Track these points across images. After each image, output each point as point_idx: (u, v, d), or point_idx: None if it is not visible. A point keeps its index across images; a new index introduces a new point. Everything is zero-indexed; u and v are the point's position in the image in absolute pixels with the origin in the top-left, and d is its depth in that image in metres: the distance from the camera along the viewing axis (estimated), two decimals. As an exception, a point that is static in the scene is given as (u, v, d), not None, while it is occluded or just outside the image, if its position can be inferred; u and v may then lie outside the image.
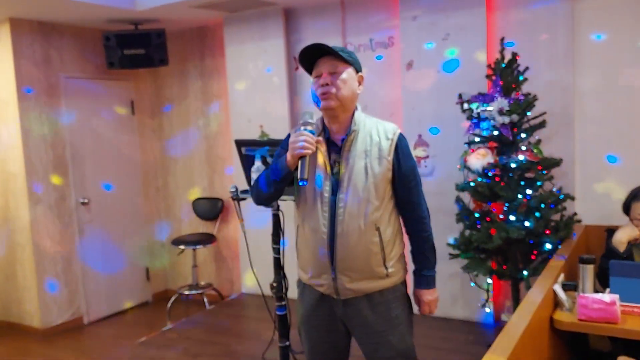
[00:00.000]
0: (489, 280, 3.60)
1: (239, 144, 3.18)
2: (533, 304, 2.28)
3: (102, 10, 4.28)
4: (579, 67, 3.59)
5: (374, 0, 4.25)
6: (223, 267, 5.37)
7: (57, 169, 4.65)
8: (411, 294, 2.19)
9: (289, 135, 2.16)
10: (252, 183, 2.58)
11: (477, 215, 3.40)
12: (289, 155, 1.95)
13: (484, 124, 3.22)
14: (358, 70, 2.09)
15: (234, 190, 3.25)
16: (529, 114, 3.27)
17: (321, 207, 2.03)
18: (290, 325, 2.75)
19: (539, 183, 3.27)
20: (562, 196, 3.28)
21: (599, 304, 2.26)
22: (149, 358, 3.78)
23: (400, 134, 2.08)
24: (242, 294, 5.12)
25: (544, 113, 3.36)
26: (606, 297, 2.27)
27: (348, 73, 2.02)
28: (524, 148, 3.31)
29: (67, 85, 4.75)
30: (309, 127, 1.95)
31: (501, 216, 3.27)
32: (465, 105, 3.31)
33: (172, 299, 5.01)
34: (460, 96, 3.39)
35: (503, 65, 3.29)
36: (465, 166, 3.42)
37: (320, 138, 1.99)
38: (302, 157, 1.90)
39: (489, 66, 3.41)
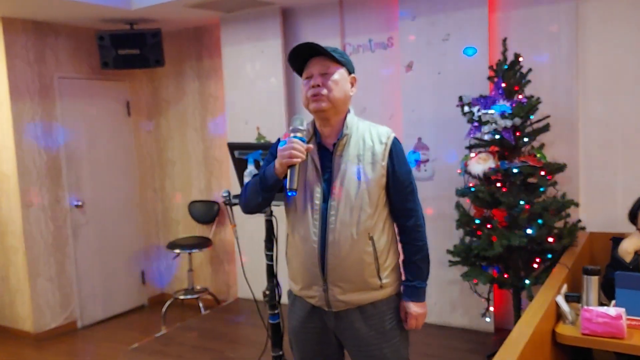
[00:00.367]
0: (489, 289, 3.49)
1: (232, 147, 3.09)
2: (535, 316, 2.18)
3: (97, 10, 4.20)
4: (584, 69, 3.48)
5: (373, 0, 4.15)
6: (219, 271, 5.28)
7: (51, 171, 4.57)
8: None
9: (278, 141, 2.07)
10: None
11: (477, 221, 3.30)
12: (277, 163, 1.85)
13: (485, 128, 3.11)
14: (351, 71, 1.99)
15: (226, 195, 3.16)
16: (532, 117, 3.16)
17: (312, 215, 1.94)
18: (283, 333, 2.67)
19: (542, 189, 3.17)
20: (566, 202, 3.17)
21: (604, 317, 2.16)
22: (140, 365, 3.71)
23: (395, 138, 1.98)
24: (238, 298, 5.02)
25: (548, 116, 3.26)
26: (612, 310, 2.17)
27: (340, 74, 1.93)
28: (526, 153, 3.21)
29: (62, 86, 4.67)
30: (299, 134, 1.86)
31: (502, 223, 3.17)
32: (466, 108, 3.21)
33: (167, 303, 4.93)
34: (460, 99, 3.28)
35: (505, 66, 3.19)
36: (465, 171, 3.32)
37: (311, 145, 1.89)
38: (291, 166, 1.80)
39: (490, 67, 3.31)
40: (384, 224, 1.97)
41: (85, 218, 4.86)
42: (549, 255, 3.17)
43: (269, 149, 2.14)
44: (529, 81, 3.20)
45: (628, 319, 2.19)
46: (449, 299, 4.02)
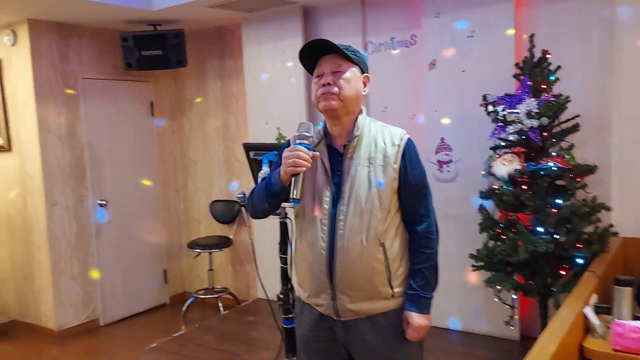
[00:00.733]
0: (514, 296, 3.35)
1: (248, 148, 3.05)
2: (560, 329, 2.05)
3: (120, 11, 4.22)
4: (618, 66, 3.29)
5: (396, -3, 4.05)
6: (240, 271, 5.25)
7: (75, 171, 4.61)
8: None
9: (287, 144, 2.01)
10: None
11: (502, 225, 3.17)
12: (282, 170, 1.78)
13: (510, 128, 2.97)
14: (364, 70, 1.91)
15: (241, 196, 3.11)
16: (560, 116, 3.01)
17: (320, 220, 1.86)
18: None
19: (570, 192, 3.01)
20: (596, 206, 3.01)
21: (637, 332, 2.01)
22: (157, 365, 3.70)
23: (409, 140, 1.89)
24: (258, 299, 4.99)
25: (577, 116, 3.10)
26: (645, 324, 2.03)
27: (352, 72, 1.85)
28: (554, 154, 3.06)
29: (86, 86, 4.71)
30: (305, 141, 1.78)
31: (528, 227, 3.03)
32: (490, 108, 3.08)
33: (187, 302, 4.92)
34: (484, 98, 3.15)
35: (532, 64, 3.04)
36: (489, 172, 3.19)
37: (317, 152, 1.81)
38: (295, 175, 1.73)
39: (516, 65, 3.17)
40: (396, 230, 1.88)
41: (109, 217, 4.89)
42: (578, 262, 3.01)
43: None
44: (557, 79, 3.05)
45: (662, 334, 2.04)
46: (473, 304, 3.89)
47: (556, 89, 3.13)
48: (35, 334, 4.59)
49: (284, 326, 2.78)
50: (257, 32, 4.62)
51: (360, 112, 1.91)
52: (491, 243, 3.30)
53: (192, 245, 4.90)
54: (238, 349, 3.86)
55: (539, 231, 2.98)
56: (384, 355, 1.88)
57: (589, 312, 2.26)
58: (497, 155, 3.19)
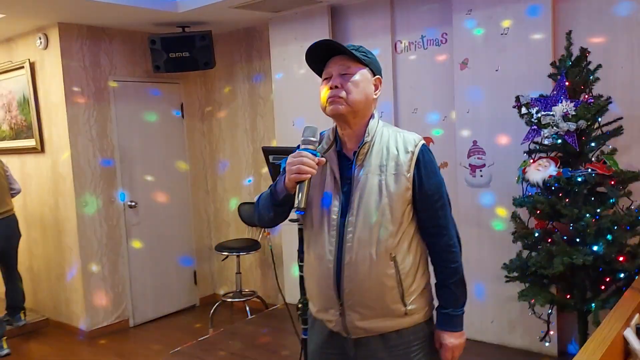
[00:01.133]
0: (550, 310, 3.13)
1: (267, 152, 2.96)
2: (596, 352, 1.86)
3: (147, 14, 4.22)
4: (667, 64, 3.03)
5: (426, -7, 3.88)
6: (268, 274, 5.19)
7: (105, 172, 4.66)
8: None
9: (297, 148, 1.90)
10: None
11: (536, 234, 2.96)
12: (286, 178, 1.68)
13: (545, 131, 2.78)
14: (375, 72, 1.78)
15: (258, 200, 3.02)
16: (600, 119, 2.79)
17: (328, 231, 1.75)
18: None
19: (612, 200, 2.79)
20: (641, 216, 2.77)
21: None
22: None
23: (424, 146, 1.75)
24: (286, 303, 4.90)
25: (620, 118, 2.86)
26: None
27: (362, 75, 1.73)
28: (593, 159, 2.84)
29: (117, 89, 4.75)
30: (310, 147, 1.68)
31: (565, 238, 2.82)
32: (524, 110, 2.88)
33: (215, 305, 4.90)
34: (517, 99, 2.96)
35: (569, 62, 2.83)
36: (523, 178, 2.99)
37: (323, 159, 1.70)
38: (300, 182, 1.63)
39: (552, 64, 2.96)
40: (409, 243, 1.74)
41: (139, 218, 4.93)
42: (620, 275, 2.78)
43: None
44: (597, 79, 2.82)
45: None
46: (507, 317, 3.68)
47: (598, 90, 2.90)
48: (67, 334, 4.66)
49: (303, 337, 2.68)
50: (284, 33, 4.54)
51: (372, 116, 1.79)
52: (525, 253, 3.11)
53: (220, 248, 4.87)
54: (260, 356, 3.79)
55: (576, 242, 2.77)
56: (397, 377, 1.75)
57: (630, 335, 2.06)
58: (531, 160, 2.99)
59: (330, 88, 1.71)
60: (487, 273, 3.67)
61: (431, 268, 1.82)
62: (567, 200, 2.82)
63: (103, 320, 4.65)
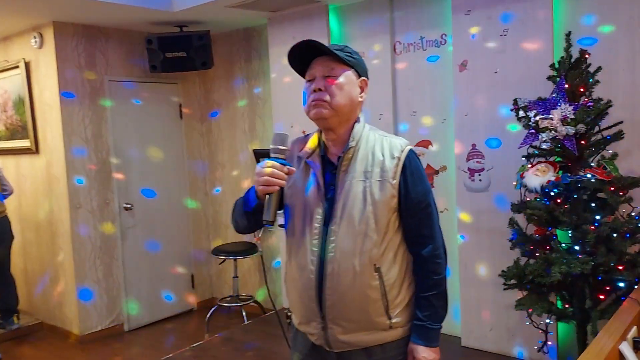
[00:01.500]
0: (548, 320, 3.04)
1: (257, 154, 2.90)
2: (590, 366, 1.78)
3: (142, 13, 4.17)
4: (671, 66, 2.94)
5: (425, -6, 3.80)
6: (267, 279, 5.12)
7: (100, 173, 4.61)
8: None
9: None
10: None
11: (535, 241, 2.88)
12: (255, 188, 1.61)
13: (543, 135, 2.69)
14: (361, 73, 1.71)
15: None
16: (600, 123, 2.70)
17: (310, 240, 1.68)
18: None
19: (612, 207, 2.69)
20: (642, 223, 2.68)
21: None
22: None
23: (410, 152, 1.67)
24: (284, 309, 4.83)
25: (620, 122, 2.77)
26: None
27: (346, 77, 1.65)
28: (593, 164, 2.75)
29: (113, 89, 4.70)
30: (280, 156, 1.61)
31: (563, 245, 2.74)
32: (521, 113, 2.80)
33: (212, 310, 4.83)
34: (515, 102, 2.87)
35: (569, 64, 2.75)
36: (521, 183, 2.90)
37: (293, 168, 1.63)
38: (268, 194, 1.56)
39: (551, 66, 2.87)
40: (395, 253, 1.67)
41: (134, 220, 4.87)
42: (621, 285, 2.69)
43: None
44: (597, 81, 2.73)
45: None
46: (506, 325, 3.59)
47: (599, 92, 2.82)
48: (59, 338, 4.61)
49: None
50: (283, 33, 4.47)
51: (358, 120, 1.72)
52: (524, 260, 3.02)
53: (217, 251, 4.80)
54: (253, 362, 3.73)
55: (575, 250, 2.68)
56: (380, 391, 1.67)
57: (626, 349, 1.97)
58: (529, 165, 2.91)
59: (314, 91, 1.64)
60: (486, 279, 3.59)
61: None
62: (565, 206, 2.73)
63: (97, 324, 4.59)
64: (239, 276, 4.99)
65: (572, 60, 2.75)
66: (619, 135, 2.74)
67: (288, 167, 1.59)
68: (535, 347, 3.20)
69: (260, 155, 2.76)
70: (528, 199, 2.94)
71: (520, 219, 3.07)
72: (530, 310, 2.85)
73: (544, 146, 2.72)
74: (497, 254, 3.50)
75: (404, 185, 1.64)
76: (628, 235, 2.63)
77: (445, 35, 3.72)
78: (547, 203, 2.75)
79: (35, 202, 4.79)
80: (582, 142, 2.69)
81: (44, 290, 4.84)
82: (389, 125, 3.98)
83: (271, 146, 1.62)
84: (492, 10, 3.41)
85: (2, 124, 5.00)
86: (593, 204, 2.73)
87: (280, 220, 1.74)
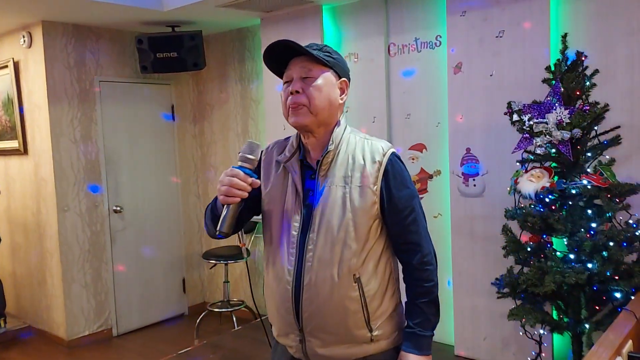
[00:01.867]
0: (542, 331, 2.95)
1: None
2: (583, 382, 1.70)
3: (132, 12, 4.09)
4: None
5: (420, -6, 3.73)
6: (259, 283, 5.03)
7: (90, 175, 4.53)
8: None
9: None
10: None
11: (528, 249, 2.79)
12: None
13: (537, 140, 2.61)
14: (341, 74, 1.62)
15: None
16: (597, 127, 2.62)
17: (287, 249, 1.60)
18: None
19: (608, 214, 2.61)
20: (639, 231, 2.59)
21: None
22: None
23: (393, 155, 1.59)
24: (260, 317, 4.74)
25: (618, 127, 2.69)
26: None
27: (325, 78, 1.57)
28: (590, 170, 2.66)
29: (103, 89, 4.63)
30: (246, 165, 1.53)
31: (558, 254, 2.65)
32: (515, 117, 2.72)
33: (202, 315, 4.75)
34: (509, 105, 2.79)
35: (565, 67, 2.66)
36: (515, 189, 2.82)
37: (258, 180, 1.54)
38: (228, 204, 1.48)
39: (547, 69, 2.79)
40: (376, 263, 1.59)
41: (124, 223, 4.79)
42: (618, 295, 2.60)
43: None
44: (594, 85, 2.65)
45: None
46: (500, 334, 3.50)
47: (594, 96, 2.73)
48: (46, 342, 4.53)
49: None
50: (276, 33, 4.39)
51: (338, 123, 1.63)
52: (517, 268, 2.93)
53: (207, 255, 4.72)
54: (240, 370, 3.64)
55: (570, 259, 2.59)
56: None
57: (621, 364, 1.89)
58: (524, 170, 2.82)
59: (291, 93, 1.56)
60: (480, 287, 3.50)
61: (403, 285, 1.67)
62: (560, 213, 2.65)
63: (84, 329, 4.51)
64: (230, 281, 4.90)
65: (569, 62, 2.66)
66: (616, 140, 2.66)
67: (253, 179, 1.50)
68: (529, 358, 3.10)
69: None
70: (522, 205, 2.85)
71: (515, 225, 2.98)
72: (524, 320, 2.76)
73: (538, 151, 2.63)
74: (492, 261, 3.42)
75: (386, 191, 1.56)
76: (625, 244, 2.54)
77: (440, 36, 3.65)
78: (542, 210, 2.66)
79: (24, 204, 4.71)
80: (578, 147, 2.60)
81: (32, 294, 4.75)
82: (382, 129, 3.89)
83: (239, 154, 1.54)
84: (488, 12, 3.33)
85: (-8, 124, 4.93)
86: (589, 211, 2.64)
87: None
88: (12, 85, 4.52)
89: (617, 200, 2.61)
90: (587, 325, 2.62)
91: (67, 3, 3.77)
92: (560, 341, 3.26)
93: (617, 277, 2.51)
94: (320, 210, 1.56)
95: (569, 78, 2.63)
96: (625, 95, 2.90)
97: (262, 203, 1.70)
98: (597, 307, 2.63)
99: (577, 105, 2.60)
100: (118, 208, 4.72)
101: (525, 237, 2.79)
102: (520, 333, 3.01)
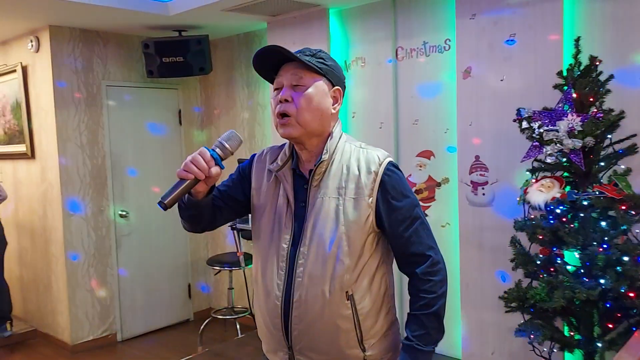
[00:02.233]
0: (553, 348, 2.83)
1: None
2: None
3: (138, 17, 4.07)
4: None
5: (429, -3, 3.63)
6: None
7: (96, 180, 4.50)
8: None
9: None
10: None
11: (538, 262, 2.68)
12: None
13: (548, 148, 2.50)
14: (334, 82, 1.54)
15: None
16: (610, 136, 2.50)
17: (277, 263, 1.52)
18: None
19: (623, 227, 2.49)
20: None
21: None
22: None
23: (389, 165, 1.50)
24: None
25: (634, 135, 2.57)
26: None
27: (316, 87, 1.49)
28: (604, 180, 2.55)
29: (110, 94, 4.61)
30: (217, 150, 1.47)
31: (569, 267, 2.53)
32: (525, 124, 2.61)
33: (205, 322, 4.69)
34: (518, 112, 2.68)
35: (578, 72, 2.55)
36: (524, 200, 2.71)
37: (219, 171, 1.47)
38: (182, 179, 1.43)
39: (558, 74, 2.68)
40: (371, 279, 1.51)
41: (130, 228, 4.76)
42: (634, 311, 2.48)
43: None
44: (608, 91, 2.54)
45: None
46: (509, 348, 3.38)
47: (610, 103, 2.61)
48: (51, 346, 4.51)
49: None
50: (282, 37, 4.33)
51: (332, 133, 1.55)
52: (527, 282, 2.82)
53: (212, 262, 4.66)
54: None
55: (581, 274, 2.47)
56: None
57: (634, 388, 1.78)
58: (534, 180, 2.71)
59: (280, 102, 1.49)
60: (489, 300, 3.38)
61: (405, 298, 1.58)
62: (572, 225, 2.53)
63: (89, 334, 4.48)
64: (234, 288, 4.84)
65: (582, 67, 2.55)
66: (632, 149, 2.54)
67: (217, 165, 1.45)
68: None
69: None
70: (532, 216, 2.74)
71: (524, 237, 2.87)
72: (532, 337, 2.64)
73: (548, 160, 2.52)
74: (497, 274, 3.30)
75: (383, 203, 1.47)
76: (640, 259, 2.42)
77: (449, 40, 3.55)
78: (552, 222, 2.54)
79: (31, 208, 4.71)
80: (591, 156, 2.49)
81: (38, 298, 4.74)
82: (389, 135, 3.81)
83: (218, 139, 1.50)
84: (499, 15, 3.22)
85: (1, 128, 4.94)
86: (603, 223, 2.52)
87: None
88: (20, 90, 4.52)
89: (633, 212, 2.48)
90: (599, 344, 2.50)
91: (74, 8, 3.75)
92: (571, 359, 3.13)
93: (632, 294, 2.38)
94: (311, 222, 1.49)
95: (582, 84, 2.52)
96: (641, 103, 2.78)
97: (252, 211, 1.63)
98: (610, 325, 2.51)
99: (590, 112, 2.49)
100: (124, 213, 4.69)
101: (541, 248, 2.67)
102: (530, 349, 2.89)
